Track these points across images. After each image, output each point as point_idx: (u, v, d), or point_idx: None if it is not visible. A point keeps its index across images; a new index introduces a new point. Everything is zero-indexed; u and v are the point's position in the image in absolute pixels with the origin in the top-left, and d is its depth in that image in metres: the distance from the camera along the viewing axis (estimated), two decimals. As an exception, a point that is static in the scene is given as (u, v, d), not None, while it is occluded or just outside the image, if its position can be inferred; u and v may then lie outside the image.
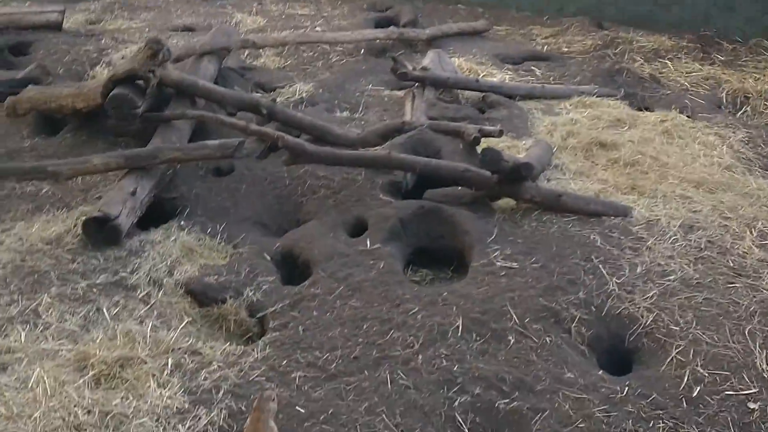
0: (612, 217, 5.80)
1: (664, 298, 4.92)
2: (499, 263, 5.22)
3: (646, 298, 4.91)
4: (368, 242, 5.50)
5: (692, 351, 4.47)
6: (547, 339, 4.59)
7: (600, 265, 5.20)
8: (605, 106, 8.16)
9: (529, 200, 5.86)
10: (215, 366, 4.50)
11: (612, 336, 4.78)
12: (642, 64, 9.68)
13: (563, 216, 5.80)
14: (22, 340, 4.57)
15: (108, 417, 4.03)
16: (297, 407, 4.16)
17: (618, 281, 5.05)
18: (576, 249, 5.37)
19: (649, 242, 5.49)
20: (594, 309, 4.84)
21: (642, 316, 4.78)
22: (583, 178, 6.58)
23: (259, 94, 7.81)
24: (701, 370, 4.33)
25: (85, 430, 3.96)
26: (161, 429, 4.01)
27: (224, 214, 6.11)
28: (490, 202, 5.99)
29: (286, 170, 6.48)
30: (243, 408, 4.13)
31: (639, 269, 5.19)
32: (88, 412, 4.07)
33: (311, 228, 5.79)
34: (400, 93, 8.34)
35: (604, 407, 4.13)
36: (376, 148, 6.50)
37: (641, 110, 8.27)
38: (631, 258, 5.32)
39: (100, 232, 5.47)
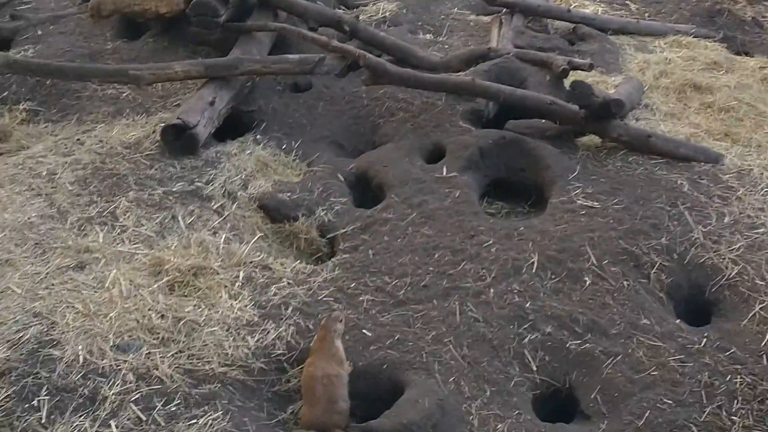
0: (702, 164, 5.51)
1: (752, 251, 4.68)
2: (579, 201, 5.03)
3: (732, 249, 4.68)
4: (445, 170, 5.37)
5: (778, 308, 4.26)
6: (625, 283, 4.43)
7: (686, 212, 4.96)
8: (702, 48, 7.71)
9: (616, 139, 5.60)
10: (285, 282, 4.51)
11: (692, 285, 4.59)
12: (744, 6, 9.03)
13: (650, 158, 5.54)
14: (100, 241, 4.66)
15: (180, 323, 4.11)
16: (363, 330, 4.16)
17: (704, 230, 4.82)
18: (662, 193, 5.13)
19: (740, 192, 5.21)
20: (676, 256, 4.64)
21: (726, 268, 4.57)
22: (674, 120, 6.26)
23: (341, 11, 7.61)
24: (786, 328, 4.13)
25: (158, 333, 4.04)
26: (231, 339, 4.06)
27: (300, 131, 6.04)
28: (574, 138, 5.76)
29: (365, 90, 6.35)
30: (311, 326, 4.15)
31: (727, 219, 4.94)
32: (162, 316, 4.15)
33: (387, 151, 5.68)
34: (487, 19, 8.00)
35: (680, 357, 4.00)
36: (459, 73, 6.28)
37: (740, 54, 7.80)
38: (720, 207, 5.06)
39: (178, 140, 5.49)
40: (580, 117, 5.56)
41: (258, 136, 5.92)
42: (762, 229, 4.85)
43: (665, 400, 3.76)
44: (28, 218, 4.79)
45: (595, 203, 5.02)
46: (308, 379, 3.74)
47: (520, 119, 5.81)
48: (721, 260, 4.62)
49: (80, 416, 3.58)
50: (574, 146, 5.69)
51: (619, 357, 3.99)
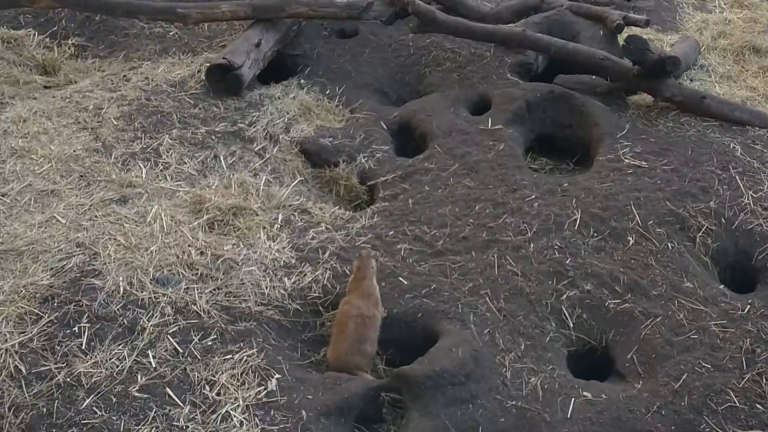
0: (757, 128, 5.33)
1: (804, 219, 4.54)
2: (627, 160, 4.91)
3: (784, 217, 4.53)
4: (490, 122, 5.27)
5: (828, 280, 4.13)
6: (669, 245, 4.33)
7: (737, 177, 4.81)
8: (764, 9, 7.41)
9: (669, 99, 5.42)
10: (323, 227, 4.51)
11: (739, 252, 4.48)
12: (813, -35, 8.64)
13: (703, 120, 5.37)
14: (143, 177, 4.69)
15: (219, 260, 4.14)
16: (400, 278, 4.14)
17: (754, 195, 4.68)
18: (713, 156, 4.98)
19: (795, 159, 5.03)
20: (724, 221, 4.52)
21: (776, 236, 4.43)
22: (730, 82, 6.06)
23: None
24: (835, 301, 4.00)
25: (197, 269, 4.08)
26: (268, 279, 4.09)
27: (344, 77, 5.98)
28: (625, 96, 5.60)
29: (412, 39, 6.24)
30: (347, 271, 4.14)
31: (780, 186, 4.78)
32: (201, 253, 4.18)
33: (432, 101, 5.59)
34: (540, -30, 7.77)
35: (722, 322, 3.91)
36: (510, 24, 6.12)
37: (803, 17, 7.48)
38: (773, 174, 4.90)
39: (223, 81, 5.47)
40: (633, 74, 5.39)
41: (302, 81, 5.88)
42: (815, 199, 4.69)
43: (704, 364, 3.69)
44: (74, 151, 4.84)
45: (643, 163, 4.90)
46: (342, 316, 3.77)
47: (570, 74, 5.65)
48: (771, 227, 4.48)
49: (119, 345, 3.66)
50: (625, 104, 5.54)
51: (659, 318, 3.92)
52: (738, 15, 7.22)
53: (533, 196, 4.63)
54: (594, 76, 5.62)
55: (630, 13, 6.30)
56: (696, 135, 5.22)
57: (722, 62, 6.37)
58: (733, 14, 7.24)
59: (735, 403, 3.52)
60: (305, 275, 4.15)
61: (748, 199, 4.65)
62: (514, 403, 3.53)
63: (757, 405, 3.52)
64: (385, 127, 5.45)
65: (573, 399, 3.56)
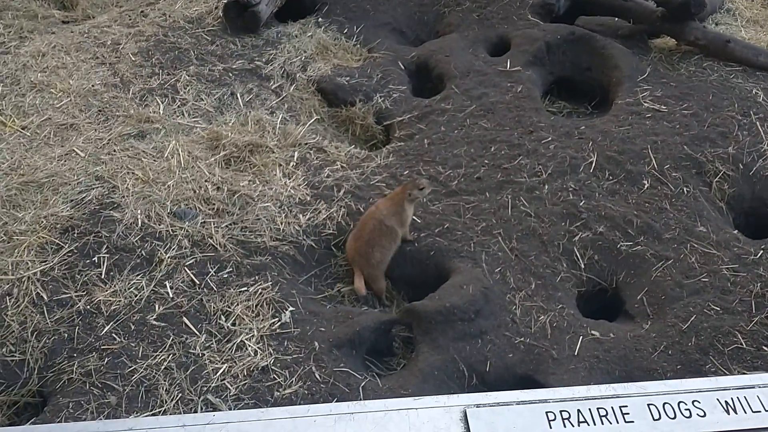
0: (782, 74, 5.23)
1: (823, 167, 4.49)
2: (646, 104, 4.86)
3: (804, 164, 4.48)
4: (509, 63, 5.22)
5: None
6: (685, 189, 4.32)
7: (758, 123, 4.75)
8: (798, -50, 7.15)
9: (692, 42, 5.33)
10: (338, 165, 4.53)
11: (755, 198, 4.45)
12: None
13: (726, 65, 5.28)
14: (161, 112, 4.73)
15: (235, 196, 4.19)
16: (414, 217, 4.17)
17: (775, 142, 4.62)
18: (734, 101, 4.91)
19: (819, 106, 4.94)
20: (741, 167, 4.49)
21: (794, 183, 4.40)
22: (756, 27, 5.91)
23: None
24: None
25: (214, 204, 4.14)
26: (283, 216, 4.14)
27: (363, 16, 5.92)
28: (647, 39, 5.50)
29: (432, -22, 6.14)
30: (361, 209, 4.18)
31: (801, 133, 4.71)
32: (218, 188, 4.23)
33: (450, 41, 5.53)
34: None
35: (733, 266, 3.91)
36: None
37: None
38: (795, 120, 4.83)
39: (240, 18, 5.45)
40: (657, 16, 5.29)
41: (320, 19, 5.83)
42: (837, 146, 4.63)
43: (713, 307, 3.71)
44: (92, 85, 4.87)
45: (663, 107, 4.85)
46: (367, 215, 3.92)
47: (593, 16, 5.55)
48: (790, 174, 4.44)
49: (137, 275, 3.74)
50: (647, 47, 5.45)
51: (670, 261, 3.93)
52: (769, -43, 6.99)
53: (549, 139, 4.61)
54: (616, 18, 5.52)
55: (656, -46, 6.13)
56: (718, 80, 5.14)
57: (749, 6, 6.21)
58: (763, -44, 7.01)
59: (742, 344, 3.55)
60: (320, 212, 4.19)
61: (767, 145, 4.60)
62: (522, 339, 3.59)
63: (764, 347, 3.54)
64: (402, 67, 5.41)
65: (581, 337, 3.61)
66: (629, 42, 5.40)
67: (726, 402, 2.11)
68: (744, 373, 3.45)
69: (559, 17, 5.78)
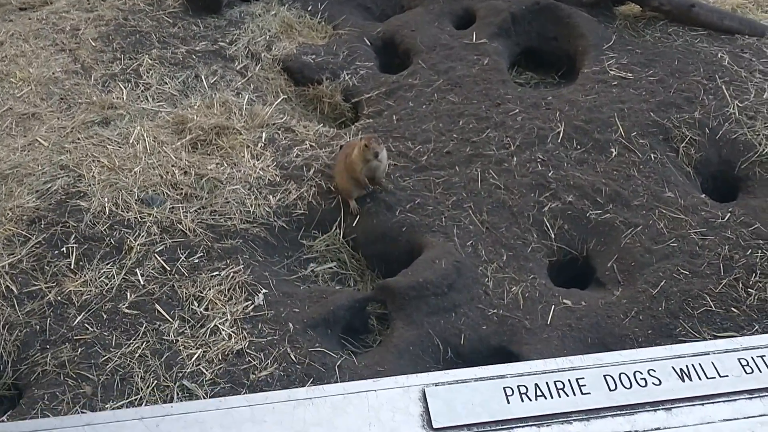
0: (746, 36, 5.26)
1: (789, 128, 4.53)
2: (612, 72, 4.87)
3: (768, 125, 4.53)
4: (474, 36, 5.20)
5: (809, 186, 4.16)
6: (652, 155, 4.35)
7: (723, 86, 4.78)
8: None
9: (657, 8, 5.33)
10: (307, 145, 4.50)
11: (722, 161, 4.49)
12: None
13: (691, 29, 5.30)
14: (124, 98, 4.66)
15: (203, 180, 4.16)
16: (384, 193, 4.16)
17: (740, 105, 4.66)
18: (699, 66, 4.94)
19: (784, 66, 4.98)
20: (708, 131, 4.52)
21: (759, 144, 4.44)
22: (721, -10, 5.92)
23: None
24: (815, 207, 4.04)
25: (182, 189, 4.10)
26: (253, 198, 4.11)
27: (327, -7, 5.86)
28: (612, 6, 5.50)
29: (395, -49, 6.07)
30: (332, 188, 4.17)
31: (766, 95, 4.74)
32: (185, 172, 4.19)
33: (415, 15, 5.49)
34: None
35: (701, 230, 3.96)
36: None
37: None
38: (760, 82, 4.86)
39: (202, -1, 5.37)
40: (621, -17, 5.29)
41: (283, -3, 5.77)
42: (802, 106, 4.68)
43: (682, 271, 3.76)
44: (53, 73, 4.79)
45: (629, 74, 4.86)
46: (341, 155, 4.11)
47: (557, -16, 5.54)
48: (755, 136, 4.48)
49: (107, 264, 3.71)
50: (612, 15, 5.45)
51: (639, 228, 3.97)
52: None
53: (517, 110, 4.62)
54: (581, -14, 5.51)
55: None
56: (683, 45, 5.16)
57: (714, -31, 6.22)
58: None
59: (711, 307, 3.60)
60: (290, 192, 4.17)
61: (733, 108, 4.63)
62: (495, 311, 3.61)
63: (733, 309, 3.60)
64: (368, 43, 5.37)
65: (553, 306, 3.64)
66: (594, 10, 5.40)
67: (681, 369, 2.14)
68: (714, 335, 3.51)
69: (525, -13, 5.75)
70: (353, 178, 3.99)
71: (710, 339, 3.49)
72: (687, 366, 2.15)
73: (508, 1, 5.38)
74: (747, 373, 2.07)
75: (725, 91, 4.74)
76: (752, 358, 2.09)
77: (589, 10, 5.37)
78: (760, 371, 2.07)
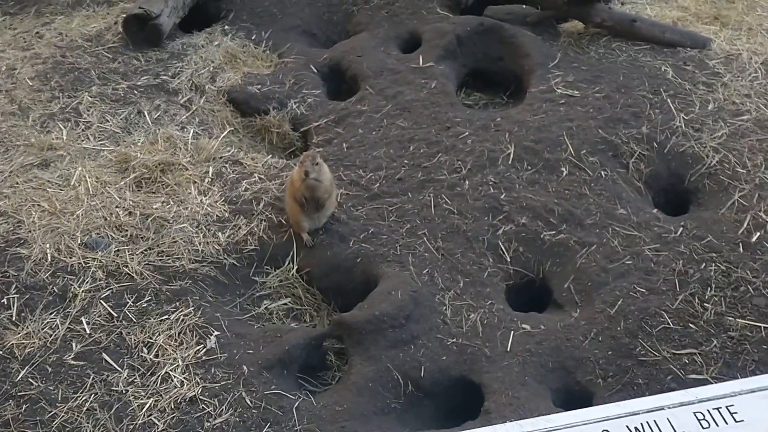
0: (688, 49, 5.33)
1: (734, 138, 4.58)
2: (559, 90, 4.89)
3: (715, 137, 4.58)
4: (421, 59, 5.17)
5: (757, 195, 4.20)
6: (602, 173, 4.35)
7: (668, 100, 4.82)
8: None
9: (600, 24, 5.38)
10: (256, 177, 4.41)
11: (672, 175, 4.52)
12: None
13: (634, 44, 5.35)
14: (64, 138, 4.51)
15: (149, 219, 4.03)
16: (338, 223, 4.09)
17: (686, 118, 4.70)
18: (644, 80, 4.98)
19: (726, 78, 5.05)
20: (656, 145, 4.55)
21: (707, 156, 4.48)
22: (662, 3, 6.01)
23: None
24: (764, 216, 4.07)
25: (127, 230, 3.97)
26: (201, 235, 4.00)
27: (270, 21, 5.77)
28: (556, 25, 5.54)
29: (338, -24, 6.04)
30: (283, 221, 4.08)
31: (711, 106, 4.81)
32: (130, 213, 4.07)
33: (361, 40, 5.45)
34: None
35: (655, 246, 3.96)
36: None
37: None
38: (704, 94, 4.92)
39: (141, 32, 5.24)
40: (563, 1, 5.33)
41: (226, 27, 5.67)
42: (746, 116, 4.74)
43: (638, 289, 3.75)
44: (-12, 115, 4.62)
45: (575, 92, 4.88)
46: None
47: (500, 5, 5.56)
48: (702, 148, 4.53)
49: (51, 313, 3.57)
50: (556, 33, 5.48)
51: (594, 247, 3.96)
52: (668, -70, 7.12)
53: (467, 133, 4.59)
54: (524, 6, 5.54)
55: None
56: (627, 60, 5.21)
57: (654, -18, 6.32)
58: (663, -70, 7.13)
59: (669, 324, 3.59)
60: (240, 228, 4.07)
61: (679, 121, 4.68)
62: (454, 340, 3.56)
63: (690, 325, 3.60)
64: (315, 70, 5.31)
65: (512, 332, 3.60)
66: (538, 29, 5.43)
67: (636, 429, 2.08)
68: (674, 353, 3.50)
69: (468, 9, 5.75)
70: (296, 201, 3.89)
71: (669, 356, 3.49)
72: (642, 424, 2.09)
73: (452, 23, 5.38)
74: (704, 428, 2.02)
75: (671, 105, 4.79)
76: (708, 411, 2.05)
77: (534, 28, 5.40)
78: (717, 425, 2.02)
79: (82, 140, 4.52)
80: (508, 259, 3.96)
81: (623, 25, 5.36)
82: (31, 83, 4.88)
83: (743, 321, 3.59)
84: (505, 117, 4.72)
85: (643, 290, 3.75)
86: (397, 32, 5.52)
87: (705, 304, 3.69)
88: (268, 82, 5.12)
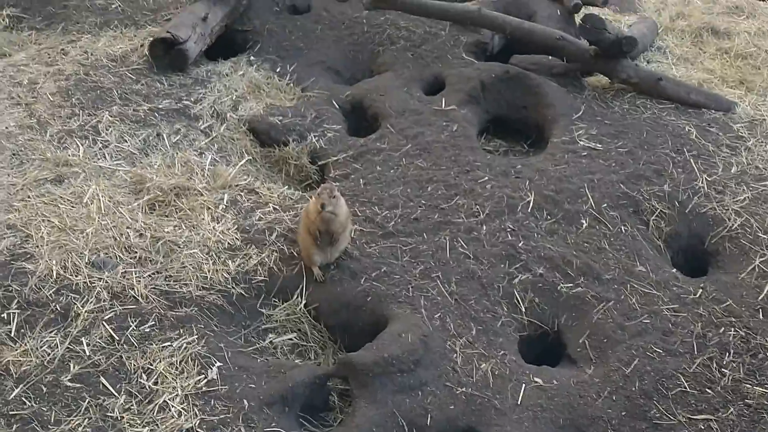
0: (712, 111, 5.32)
1: (756, 203, 4.52)
2: (582, 142, 4.85)
3: (737, 200, 4.52)
4: (444, 102, 5.15)
5: (779, 262, 4.12)
6: (623, 228, 4.28)
7: (691, 160, 4.78)
8: (723, -10, 7.40)
9: (625, 80, 5.37)
10: (271, 208, 4.34)
11: (692, 235, 4.45)
12: (771, -53, 8.67)
13: (659, 102, 5.35)
14: (81, 155, 4.47)
15: (159, 243, 3.96)
16: (350, 259, 4.00)
17: (708, 179, 4.65)
18: (668, 139, 4.95)
19: (750, 143, 5.02)
20: (678, 204, 4.49)
21: (728, 219, 4.41)
22: (687, 64, 6.03)
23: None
24: (785, 284, 3.99)
25: (136, 252, 3.89)
26: (211, 263, 3.91)
27: (296, 55, 5.79)
28: (581, 77, 5.53)
29: (365, 16, 6.07)
30: (295, 254, 4.00)
31: (734, 169, 4.76)
32: (140, 235, 3.99)
33: (385, 80, 5.45)
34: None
35: (674, 306, 3.87)
36: (465, 3, 5.99)
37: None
38: (727, 157, 4.88)
39: (167, 56, 5.25)
40: (590, 54, 5.33)
41: (251, 57, 5.68)
42: (769, 182, 4.68)
43: (655, 349, 3.65)
44: (6, 127, 4.59)
45: (598, 145, 4.84)
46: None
47: (526, 54, 5.56)
48: (724, 211, 4.46)
49: (51, 332, 3.47)
50: (581, 86, 5.47)
51: (611, 303, 3.86)
52: (697, -5, 7.21)
53: (486, 178, 4.53)
54: (550, 57, 5.54)
55: (587, -7, 6.23)
56: (651, 117, 5.19)
57: (680, 44, 6.36)
58: (691, -5, 7.22)
59: (686, 387, 3.48)
60: (250, 258, 3.99)
61: (702, 182, 4.62)
62: (464, 389, 3.44)
63: (707, 389, 3.49)
64: (337, 106, 5.29)
65: (524, 385, 3.48)
66: (563, 80, 5.42)
67: None
68: (690, 417, 3.38)
69: (493, 56, 5.78)
70: (310, 233, 3.81)
71: (685, 421, 3.38)
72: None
73: (477, 69, 5.38)
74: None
75: (694, 165, 4.74)
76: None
77: (558, 80, 5.38)
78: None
79: (99, 158, 4.48)
80: (523, 309, 3.86)
81: (649, 82, 5.34)
82: (52, 98, 4.86)
83: (761, 389, 3.49)
84: (526, 165, 4.67)
85: (660, 351, 3.65)
86: (422, 74, 5.51)
87: (723, 370, 3.59)
88: (289, 114, 5.09)
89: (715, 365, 3.60)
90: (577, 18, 5.79)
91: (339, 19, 6.12)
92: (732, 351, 3.66)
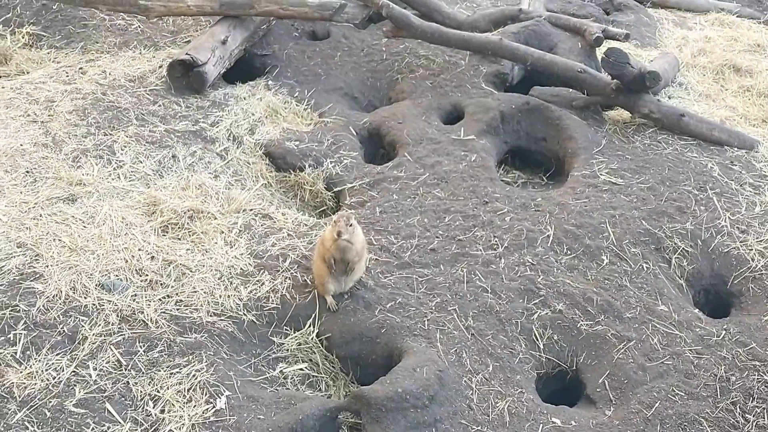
0: (735, 148, 5.24)
1: (781, 243, 4.42)
2: (602, 176, 4.76)
3: (761, 240, 4.41)
4: (462, 132, 5.09)
5: (805, 306, 4.00)
6: (644, 265, 4.18)
7: (714, 198, 4.68)
8: (745, 28, 7.38)
9: (646, 115, 5.30)
10: (285, 233, 4.27)
11: (714, 275, 4.34)
12: (793, -13, 8.66)
13: (681, 138, 5.27)
14: (95, 175, 4.42)
15: (171, 266, 3.88)
16: (364, 289, 3.91)
17: (732, 218, 4.55)
18: (690, 176, 4.86)
19: (774, 182, 4.93)
20: (700, 243, 4.39)
21: (752, 260, 4.31)
22: (709, 101, 5.96)
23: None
24: (812, 328, 3.87)
25: (147, 275, 3.82)
26: (223, 288, 3.83)
27: (314, 80, 5.77)
28: (602, 111, 5.47)
29: (385, 44, 6.06)
30: (308, 281, 3.91)
31: (757, 209, 4.66)
32: (152, 257, 3.92)
33: (403, 108, 5.40)
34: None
35: (696, 348, 3.76)
36: (486, 33, 5.96)
37: (785, 37, 7.47)
38: (750, 196, 4.79)
39: (185, 77, 5.22)
40: (611, 88, 5.27)
41: (270, 82, 5.65)
42: (793, 222, 4.58)
43: (677, 392, 3.53)
44: (21, 145, 4.55)
45: (619, 180, 4.76)
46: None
47: (547, 86, 5.51)
48: (748, 251, 4.36)
49: (57, 354, 3.39)
50: (601, 119, 5.41)
51: (632, 342, 3.76)
52: (719, 33, 7.19)
53: (505, 210, 4.45)
54: (571, 89, 5.49)
55: (610, 27, 6.19)
56: (673, 153, 5.11)
57: (701, 80, 6.30)
58: (713, 32, 7.20)
59: (709, 433, 3.36)
60: (263, 284, 3.91)
61: (725, 221, 4.53)
62: (479, 428, 3.33)
63: (731, 436, 3.36)
64: (354, 132, 5.24)
65: (541, 425, 3.37)
66: (584, 113, 5.36)
67: None
68: (713, 465, 3.25)
69: (513, 87, 5.73)
70: (325, 261, 3.73)
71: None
72: None
73: (497, 100, 5.32)
74: None
75: (716, 203, 4.65)
76: None
77: (579, 113, 5.33)
78: None
79: (113, 179, 4.43)
80: (542, 346, 3.75)
81: (671, 118, 5.27)
82: (68, 117, 4.83)
83: (787, 437, 3.36)
84: (546, 198, 4.59)
85: (682, 394, 3.53)
86: (440, 103, 5.47)
87: (746, 415, 3.48)
88: (306, 140, 5.04)
89: (738, 410, 3.48)
90: (599, 52, 5.74)
91: (358, 46, 6.10)
92: (756, 396, 3.54)
